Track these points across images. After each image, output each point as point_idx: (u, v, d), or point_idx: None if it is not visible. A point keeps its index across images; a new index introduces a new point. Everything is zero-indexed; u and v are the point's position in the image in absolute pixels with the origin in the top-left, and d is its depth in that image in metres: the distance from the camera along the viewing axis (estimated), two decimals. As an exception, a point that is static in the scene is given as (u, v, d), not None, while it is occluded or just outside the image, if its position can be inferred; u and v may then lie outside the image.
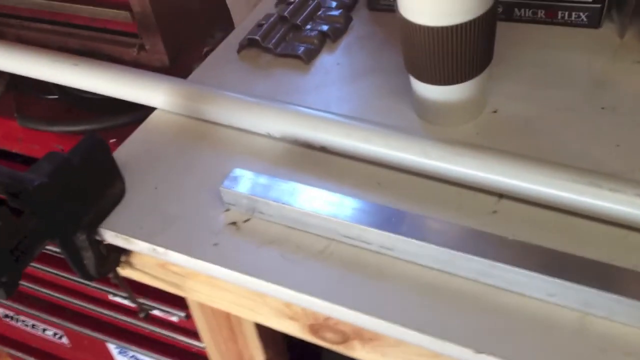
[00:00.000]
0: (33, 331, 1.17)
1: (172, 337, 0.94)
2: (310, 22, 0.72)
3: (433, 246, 0.46)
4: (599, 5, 0.62)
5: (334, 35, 0.71)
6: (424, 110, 0.58)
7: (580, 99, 0.58)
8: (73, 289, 1.00)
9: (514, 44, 0.64)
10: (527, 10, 0.65)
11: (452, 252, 0.46)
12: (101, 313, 1.02)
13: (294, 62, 0.69)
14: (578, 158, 0.52)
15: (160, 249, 0.53)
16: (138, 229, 0.54)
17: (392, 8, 0.72)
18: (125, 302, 0.97)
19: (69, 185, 0.52)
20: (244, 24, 0.76)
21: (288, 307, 0.54)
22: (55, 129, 0.72)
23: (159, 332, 0.95)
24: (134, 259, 0.59)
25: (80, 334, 1.08)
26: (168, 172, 0.59)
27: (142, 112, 0.70)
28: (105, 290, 0.97)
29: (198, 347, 0.91)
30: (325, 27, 0.71)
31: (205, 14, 0.83)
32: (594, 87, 0.58)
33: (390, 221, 0.48)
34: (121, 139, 0.65)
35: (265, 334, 0.68)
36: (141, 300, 0.61)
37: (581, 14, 0.63)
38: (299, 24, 0.72)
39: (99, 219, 0.55)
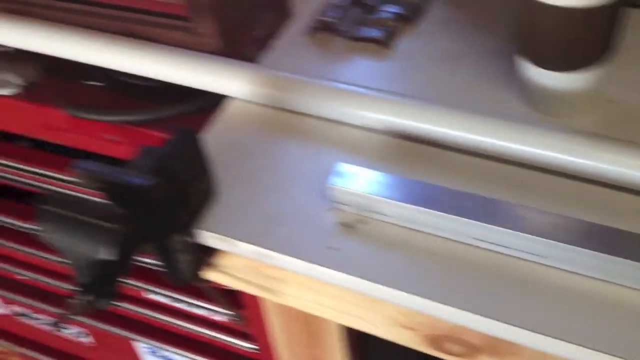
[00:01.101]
0: (52, 330, 1.11)
1: (216, 337, 0.89)
2: (386, 4, 0.68)
3: (601, 255, 0.42)
4: None
5: (413, 17, 0.66)
6: (540, 99, 0.54)
7: None
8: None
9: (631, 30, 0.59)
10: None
11: (622, 260, 0.42)
12: (131, 310, 0.96)
13: (371, 47, 0.64)
14: None
15: (268, 252, 0.48)
16: (239, 230, 0.49)
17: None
18: (161, 299, 0.91)
19: (169, 184, 0.47)
20: (305, 6, 0.71)
21: (405, 315, 0.50)
22: (115, 118, 0.66)
23: (200, 332, 0.90)
24: (222, 261, 0.55)
25: (106, 333, 1.02)
26: (259, 168, 0.54)
27: (203, 100, 0.65)
28: (139, 287, 0.92)
29: (247, 348, 0.86)
30: (402, 9, 0.66)
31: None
32: None
33: (539, 225, 0.44)
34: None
35: (349, 338, 0.64)
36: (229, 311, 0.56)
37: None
38: (374, 5, 0.67)
39: (193, 219, 0.50)
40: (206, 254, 0.53)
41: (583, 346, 0.41)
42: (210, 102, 0.64)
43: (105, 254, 0.40)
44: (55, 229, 0.41)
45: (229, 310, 0.56)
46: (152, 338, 0.98)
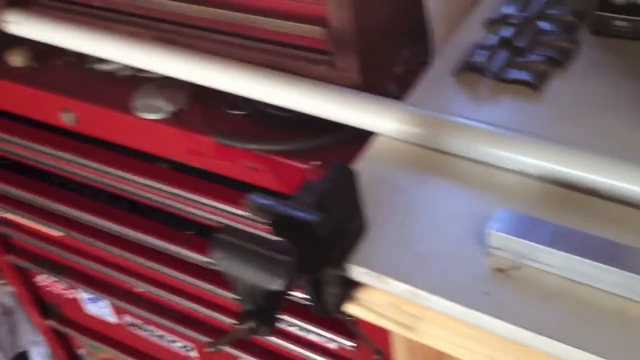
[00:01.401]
0: (160, 342, 1.14)
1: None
2: (535, 46, 0.67)
3: None
4: None
5: (564, 60, 0.65)
6: None
7: None
8: (210, 300, 0.97)
9: None
10: None
11: None
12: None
13: (520, 89, 0.64)
14: None
15: (421, 292, 0.48)
16: (390, 267, 0.50)
17: (626, 35, 0.66)
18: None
19: (331, 219, 0.48)
20: (447, 45, 0.72)
21: (555, 366, 0.49)
22: (258, 147, 0.68)
23: (311, 357, 0.91)
24: (363, 295, 0.55)
25: (213, 350, 1.04)
26: (408, 205, 0.54)
27: (344, 133, 0.66)
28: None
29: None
30: (552, 52, 0.66)
31: (397, 31, 0.79)
32: None
33: None
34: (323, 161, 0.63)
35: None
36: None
37: None
38: (523, 47, 0.67)
39: (347, 253, 0.51)
40: (351, 288, 0.53)
41: None
42: (350, 135, 0.66)
43: (277, 284, 0.41)
44: (229, 258, 0.42)
45: (370, 345, 0.57)
46: (255, 357, 0.99)
